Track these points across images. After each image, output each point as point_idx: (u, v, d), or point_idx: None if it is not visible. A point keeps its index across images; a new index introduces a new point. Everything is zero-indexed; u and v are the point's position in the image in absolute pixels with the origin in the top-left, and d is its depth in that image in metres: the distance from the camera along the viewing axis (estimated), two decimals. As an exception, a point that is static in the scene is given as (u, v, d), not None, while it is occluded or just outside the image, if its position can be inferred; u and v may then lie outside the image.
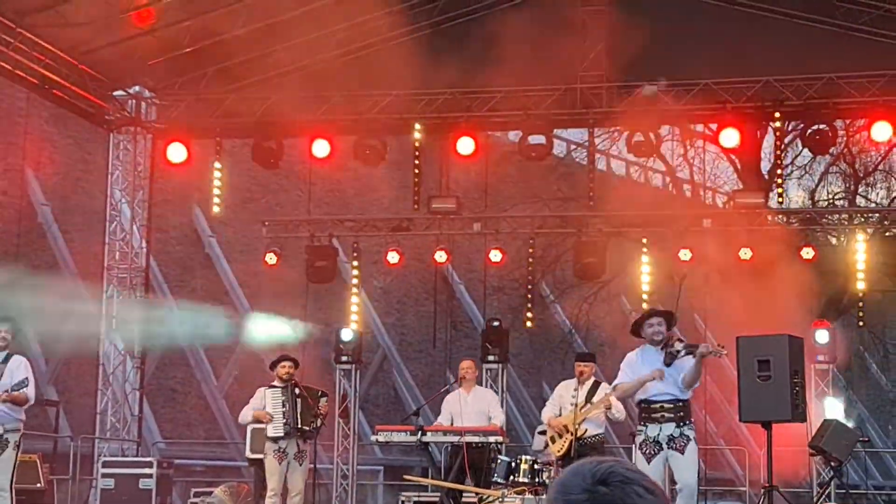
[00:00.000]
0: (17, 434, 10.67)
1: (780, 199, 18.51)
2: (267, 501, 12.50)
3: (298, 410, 12.42)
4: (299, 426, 12.40)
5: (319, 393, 12.94)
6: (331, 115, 17.28)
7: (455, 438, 12.58)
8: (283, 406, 12.45)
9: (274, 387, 12.68)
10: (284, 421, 12.42)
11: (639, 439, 10.15)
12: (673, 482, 10.34)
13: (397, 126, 17.79)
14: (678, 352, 10.01)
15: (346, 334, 17.67)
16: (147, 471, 16.20)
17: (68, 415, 20.04)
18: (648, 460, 9.98)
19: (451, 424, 13.13)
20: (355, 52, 17.30)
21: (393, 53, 16.24)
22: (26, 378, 10.55)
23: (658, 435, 10.00)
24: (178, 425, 23.57)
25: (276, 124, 17.46)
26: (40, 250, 21.73)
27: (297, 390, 12.51)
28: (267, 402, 12.58)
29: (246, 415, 13.07)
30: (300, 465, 12.51)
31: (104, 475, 16.20)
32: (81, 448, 17.23)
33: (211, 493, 15.49)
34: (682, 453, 9.99)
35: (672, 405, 10.04)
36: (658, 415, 10.03)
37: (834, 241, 25.10)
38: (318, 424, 12.74)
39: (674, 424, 10.00)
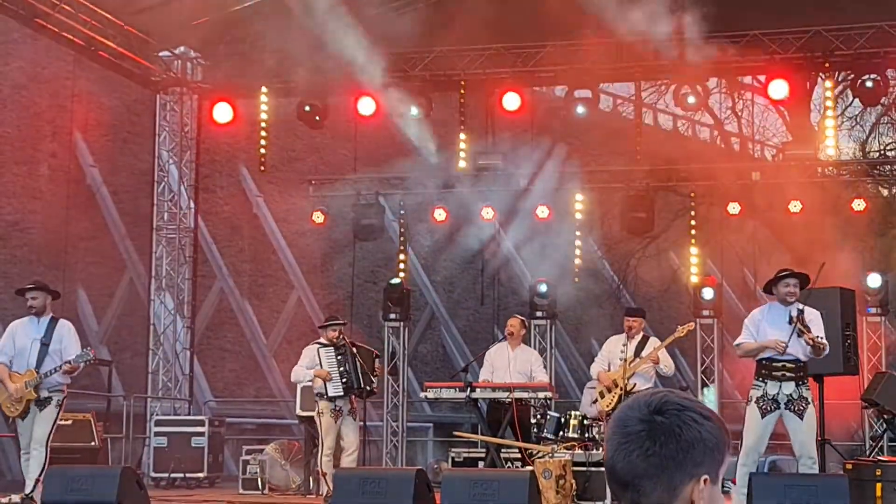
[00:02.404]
0: (61, 395, 10.72)
1: (831, 151, 18.28)
2: (323, 459, 12.42)
3: (359, 371, 12.34)
4: (361, 386, 12.33)
5: (375, 354, 12.88)
6: (375, 73, 17.22)
7: (504, 394, 12.59)
8: (341, 366, 12.36)
9: (326, 346, 12.59)
10: (344, 381, 12.33)
11: (755, 393, 10.20)
12: (776, 438, 10.42)
13: (442, 83, 17.72)
14: (805, 334, 9.97)
15: (395, 280, 17.79)
16: (199, 429, 16.36)
17: (121, 374, 20.25)
18: (763, 415, 10.08)
19: (492, 377, 13.15)
20: (399, 10, 17.21)
21: (436, 9, 16.13)
22: (87, 351, 10.64)
23: (777, 393, 10.11)
24: (229, 384, 23.75)
25: (321, 83, 17.43)
26: (89, 212, 21.89)
27: (353, 349, 12.43)
28: (322, 361, 12.47)
29: (301, 373, 13.07)
30: (354, 420, 12.45)
31: (157, 433, 16.37)
32: (134, 407, 17.42)
33: (262, 450, 15.61)
34: (801, 418, 10.09)
35: (794, 365, 10.15)
36: (779, 373, 10.13)
37: (885, 192, 24.83)
38: (374, 385, 12.70)
39: (793, 384, 10.12)
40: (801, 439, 10.17)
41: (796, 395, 10.09)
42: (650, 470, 2.35)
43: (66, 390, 10.88)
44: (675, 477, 2.36)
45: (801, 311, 10.17)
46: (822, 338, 10.10)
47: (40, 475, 10.39)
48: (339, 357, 12.42)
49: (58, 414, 10.72)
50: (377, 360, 12.88)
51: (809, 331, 10.04)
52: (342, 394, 12.37)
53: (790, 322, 10.07)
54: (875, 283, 16.54)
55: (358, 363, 12.39)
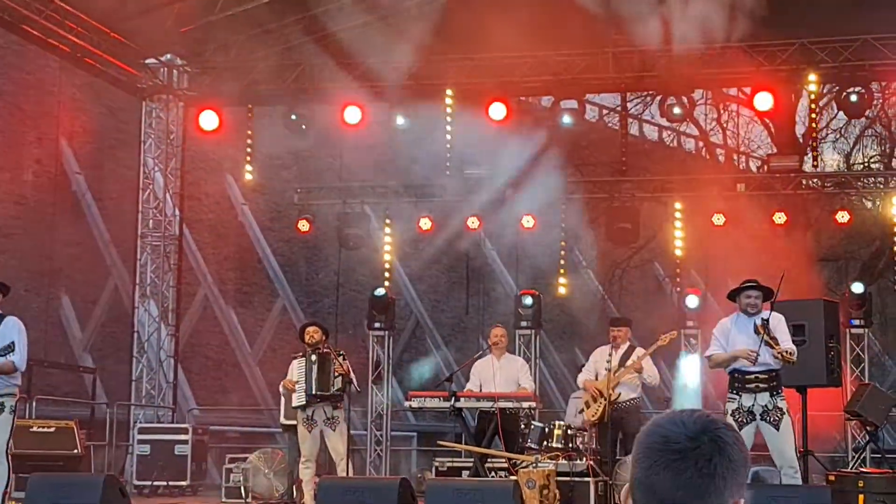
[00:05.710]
0: (13, 399, 10.12)
1: (815, 163, 18.34)
2: (300, 468, 12.40)
3: (314, 377, 11.98)
4: (314, 392, 11.98)
5: (335, 353, 12.23)
6: (362, 82, 17.24)
7: (488, 404, 12.58)
8: (303, 375, 12.07)
9: (301, 356, 12.33)
10: (305, 389, 12.07)
11: (731, 407, 10.18)
12: (758, 448, 10.39)
13: (429, 92, 17.73)
14: (773, 347, 9.96)
15: (379, 291, 17.73)
16: (182, 437, 16.34)
17: (104, 382, 20.18)
18: (739, 427, 10.01)
19: (480, 391, 13.10)
20: (384, 19, 17.23)
21: (423, 18, 16.14)
22: (13, 343, 9.88)
23: (752, 405, 10.09)
24: (213, 392, 23.69)
25: (308, 91, 17.45)
26: (74, 219, 21.83)
27: (313, 356, 12.05)
28: (294, 371, 12.27)
29: (281, 386, 12.94)
30: (334, 430, 12.06)
31: (140, 441, 16.35)
32: (117, 414, 17.36)
33: (245, 459, 15.58)
34: (777, 429, 10.05)
35: (766, 375, 10.12)
36: (752, 385, 10.11)
37: (869, 204, 24.91)
38: (340, 386, 12.06)
39: (767, 394, 10.10)
40: (780, 449, 10.15)
41: (771, 405, 10.05)
42: (702, 489, 2.31)
43: (19, 394, 10.35)
44: (724, 496, 2.33)
45: (765, 322, 10.14)
46: (789, 349, 10.05)
47: (6, 488, 10.16)
48: (303, 366, 12.12)
49: (12, 420, 10.16)
50: (341, 356, 12.20)
51: (777, 343, 10.02)
52: (303, 403, 12.08)
53: (756, 332, 10.08)
54: (858, 289, 16.63)
55: (314, 370, 12.00)
